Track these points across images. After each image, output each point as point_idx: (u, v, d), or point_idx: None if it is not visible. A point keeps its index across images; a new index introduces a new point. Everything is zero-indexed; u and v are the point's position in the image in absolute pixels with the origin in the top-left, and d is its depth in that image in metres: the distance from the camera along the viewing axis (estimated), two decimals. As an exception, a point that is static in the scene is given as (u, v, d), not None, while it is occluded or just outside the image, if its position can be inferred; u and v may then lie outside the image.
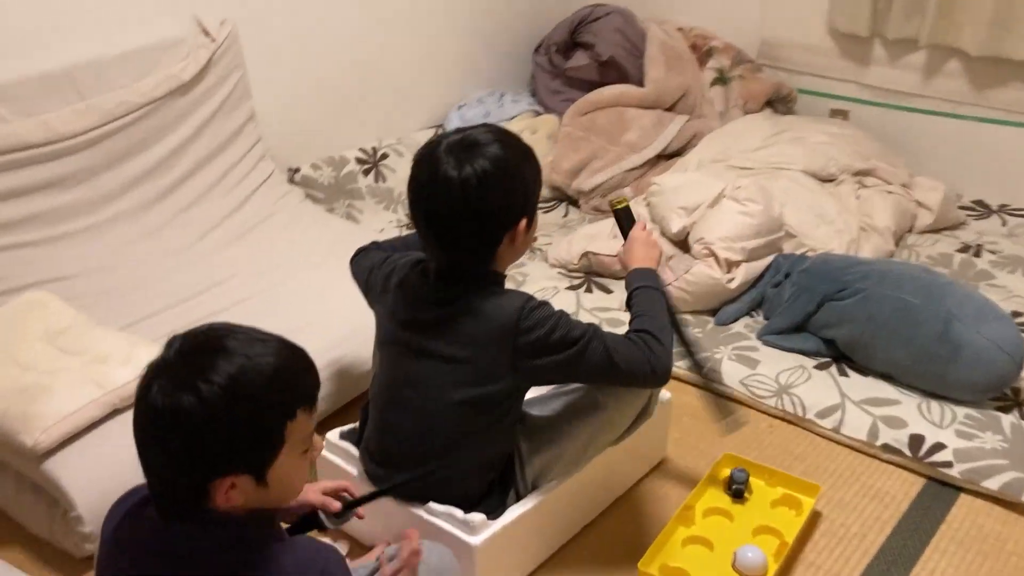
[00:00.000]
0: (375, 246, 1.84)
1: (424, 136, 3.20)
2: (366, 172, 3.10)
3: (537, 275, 2.72)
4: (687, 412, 2.21)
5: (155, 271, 2.36)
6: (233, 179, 2.65)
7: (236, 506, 1.08)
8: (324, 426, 2.01)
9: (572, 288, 2.66)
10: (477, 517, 1.59)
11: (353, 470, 1.72)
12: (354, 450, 1.74)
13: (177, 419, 1.01)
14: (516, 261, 1.66)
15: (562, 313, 1.57)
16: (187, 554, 1.09)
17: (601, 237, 2.75)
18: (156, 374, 1.04)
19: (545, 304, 1.56)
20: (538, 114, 3.40)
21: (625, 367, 1.57)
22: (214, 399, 1.01)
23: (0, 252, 2.23)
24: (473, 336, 1.54)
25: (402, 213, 3.08)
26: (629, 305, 1.68)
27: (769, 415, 2.21)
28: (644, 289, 1.69)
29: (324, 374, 2.07)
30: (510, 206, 1.51)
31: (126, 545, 1.13)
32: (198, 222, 2.52)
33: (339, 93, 3.06)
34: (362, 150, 3.11)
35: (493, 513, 1.64)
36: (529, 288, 2.62)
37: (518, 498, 1.69)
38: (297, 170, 2.97)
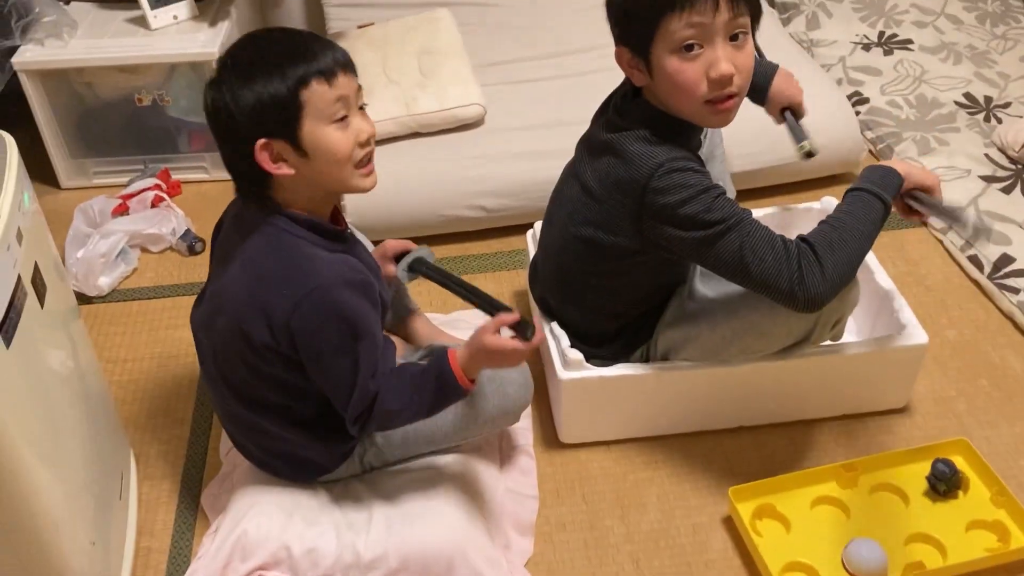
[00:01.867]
0: None
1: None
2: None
3: (961, 147, 2.18)
4: (987, 372, 1.71)
5: (556, 17, 2.47)
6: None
7: (288, 176, 1.19)
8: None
9: (988, 179, 2.09)
10: (576, 355, 1.52)
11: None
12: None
13: (214, 95, 1.17)
14: (682, 106, 1.32)
15: (709, 188, 1.31)
16: (247, 230, 1.25)
17: (1080, 130, 2.07)
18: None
19: (692, 171, 1.32)
20: None
21: (759, 276, 1.30)
22: (227, 77, 1.16)
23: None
24: (611, 177, 1.38)
25: (879, 27, 2.64)
26: None
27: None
28: (862, 194, 1.34)
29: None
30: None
31: (224, 228, 1.36)
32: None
33: None
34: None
35: (613, 359, 1.55)
36: (935, 161, 2.13)
37: (646, 360, 1.56)
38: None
